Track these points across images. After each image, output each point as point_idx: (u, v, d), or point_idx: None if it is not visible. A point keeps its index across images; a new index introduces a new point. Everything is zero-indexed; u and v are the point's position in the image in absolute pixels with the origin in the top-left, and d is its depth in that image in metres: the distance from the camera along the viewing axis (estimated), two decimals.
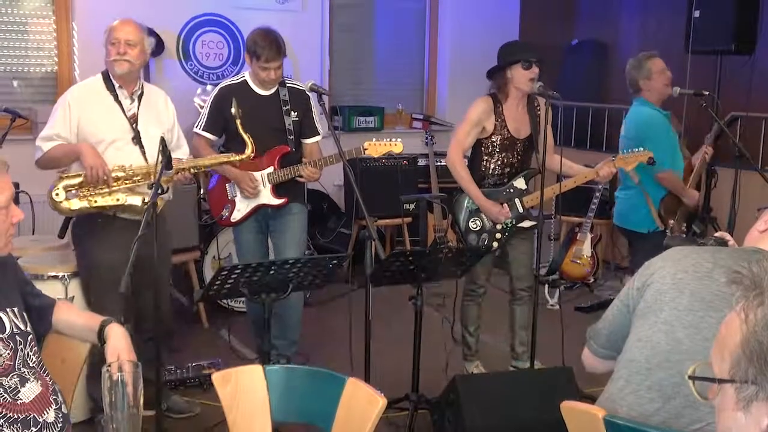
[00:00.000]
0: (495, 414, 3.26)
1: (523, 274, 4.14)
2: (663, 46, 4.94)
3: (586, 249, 5.72)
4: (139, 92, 3.58)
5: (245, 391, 2.14)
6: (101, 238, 3.47)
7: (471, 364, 4.21)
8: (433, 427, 3.52)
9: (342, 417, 2.05)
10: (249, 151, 3.63)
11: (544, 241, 4.95)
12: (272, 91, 4.04)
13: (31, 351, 2.07)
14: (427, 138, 6.38)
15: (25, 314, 2.11)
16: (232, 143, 3.98)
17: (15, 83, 5.65)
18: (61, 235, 3.78)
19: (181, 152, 3.68)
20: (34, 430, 1.98)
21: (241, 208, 4.06)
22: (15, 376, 2.00)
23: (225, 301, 4.94)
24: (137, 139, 3.51)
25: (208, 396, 3.80)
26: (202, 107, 4.42)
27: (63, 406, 2.10)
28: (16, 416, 1.95)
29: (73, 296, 3.60)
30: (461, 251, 3.84)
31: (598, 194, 5.45)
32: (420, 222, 6.07)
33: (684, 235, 4.17)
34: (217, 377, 2.15)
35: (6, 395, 1.96)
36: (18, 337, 2.04)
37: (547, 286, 5.63)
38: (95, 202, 3.38)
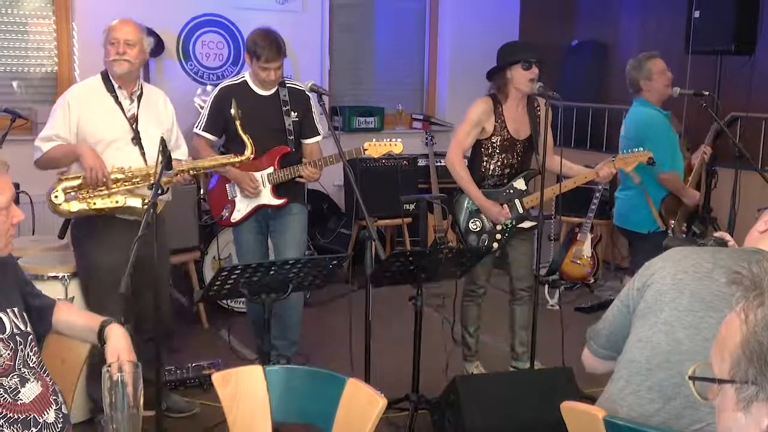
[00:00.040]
0: (495, 414, 3.26)
1: (523, 275, 4.14)
2: (663, 47, 4.94)
3: (586, 249, 5.73)
4: (139, 92, 3.58)
5: (245, 391, 2.14)
6: (101, 239, 3.47)
7: (471, 364, 4.21)
8: (433, 427, 3.52)
9: (342, 417, 2.05)
10: (249, 152, 3.63)
11: (544, 242, 4.94)
12: (272, 91, 4.04)
13: (31, 351, 2.07)
14: (427, 138, 6.38)
15: (25, 314, 2.11)
16: (232, 144, 3.98)
17: (15, 84, 5.65)
18: (61, 236, 3.79)
19: (180, 153, 3.68)
20: (34, 430, 1.98)
21: (241, 208, 4.06)
22: (15, 377, 2.00)
23: (225, 301, 4.94)
24: (137, 140, 3.51)
25: (208, 396, 3.80)
26: (202, 107, 4.42)
27: (63, 406, 2.10)
28: (16, 416, 1.95)
29: (73, 297, 3.60)
30: (461, 252, 3.84)
31: (598, 194, 5.46)
32: (420, 222, 6.07)
33: (684, 236, 4.17)
34: (217, 377, 2.15)
35: (6, 395, 1.96)
36: (18, 338, 2.04)
37: (547, 286, 5.63)
38: (94, 204, 3.38)
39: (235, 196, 4.07)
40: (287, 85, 4.08)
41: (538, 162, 3.84)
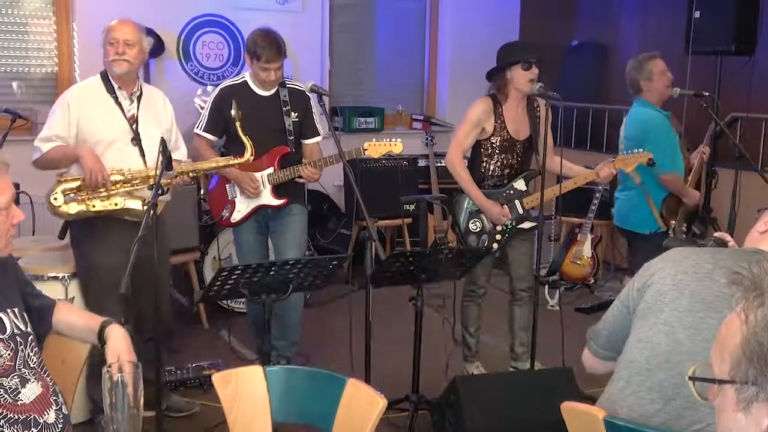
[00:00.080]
0: (495, 415, 3.26)
1: (522, 275, 4.15)
2: (663, 47, 4.94)
3: (587, 250, 5.73)
4: (138, 93, 3.58)
5: (245, 391, 2.14)
6: (100, 240, 3.47)
7: (471, 364, 4.21)
8: (433, 427, 3.52)
9: (342, 418, 2.05)
10: (248, 154, 3.62)
11: (545, 242, 4.95)
12: (272, 91, 4.04)
13: (31, 352, 2.07)
14: (427, 139, 6.38)
15: (25, 315, 2.11)
16: (232, 145, 3.98)
17: (15, 85, 5.64)
18: (62, 236, 3.78)
19: (179, 153, 3.67)
20: (34, 430, 1.98)
21: (241, 208, 4.06)
22: (15, 377, 2.00)
23: (225, 301, 4.94)
24: (136, 140, 3.51)
25: (208, 397, 3.81)
26: (202, 108, 4.42)
27: (63, 406, 2.10)
28: (16, 417, 1.95)
29: (74, 297, 3.60)
30: (461, 252, 3.84)
31: (598, 195, 5.46)
32: (420, 223, 6.07)
33: (684, 236, 4.17)
34: (217, 378, 2.15)
35: (6, 396, 1.96)
36: (18, 338, 2.04)
37: (547, 286, 5.63)
38: (93, 206, 3.37)
39: (236, 197, 4.07)
40: (287, 85, 4.08)
41: (538, 162, 3.84)
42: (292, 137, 4.05)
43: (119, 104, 3.52)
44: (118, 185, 3.39)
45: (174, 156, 3.43)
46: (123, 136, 3.50)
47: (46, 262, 3.79)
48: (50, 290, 3.13)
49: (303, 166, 3.99)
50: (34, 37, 5.70)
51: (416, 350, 3.59)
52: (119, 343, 2.08)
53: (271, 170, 4.01)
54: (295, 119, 4.06)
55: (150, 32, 4.04)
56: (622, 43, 7.01)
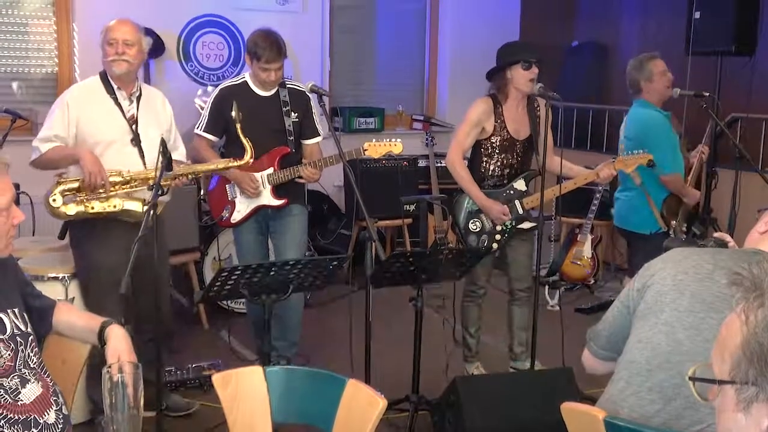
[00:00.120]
0: (495, 415, 3.26)
1: (521, 275, 4.15)
2: (663, 48, 4.94)
3: (587, 250, 5.73)
4: (138, 94, 3.58)
5: (245, 392, 2.14)
6: (100, 240, 3.47)
7: (471, 365, 4.21)
8: (433, 428, 3.52)
9: (342, 418, 2.05)
10: (248, 157, 3.61)
11: (545, 243, 4.95)
12: (272, 92, 4.04)
13: (31, 352, 2.07)
14: (427, 139, 6.38)
15: (25, 315, 2.11)
16: (232, 146, 3.98)
17: (15, 86, 5.64)
18: (62, 237, 3.78)
19: (177, 154, 3.66)
20: (34, 431, 1.98)
21: (241, 209, 4.06)
22: (16, 377, 2.00)
23: (225, 302, 4.93)
24: (136, 141, 3.50)
25: (208, 397, 3.81)
26: (202, 108, 4.42)
27: (63, 407, 2.10)
28: (16, 417, 1.95)
29: (74, 297, 3.60)
30: (461, 252, 3.84)
31: (598, 195, 5.46)
32: (420, 223, 6.07)
33: (684, 237, 4.17)
34: (217, 378, 2.15)
35: (6, 396, 1.96)
36: (19, 338, 2.04)
37: (547, 287, 5.63)
38: (92, 208, 3.37)
39: (236, 197, 4.07)
40: (287, 85, 4.08)
41: (539, 163, 3.84)
42: (292, 137, 4.05)
43: (119, 105, 3.51)
44: (117, 186, 3.39)
45: (173, 156, 3.43)
46: (122, 136, 3.50)
47: (46, 262, 3.79)
48: (50, 291, 3.14)
49: (303, 166, 3.99)
50: (34, 37, 5.71)
51: (416, 351, 3.59)
52: (119, 343, 2.08)
53: (271, 170, 4.01)
54: (295, 119, 4.06)
55: (149, 32, 4.04)
56: (622, 44, 7.01)
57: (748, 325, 1.08)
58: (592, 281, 5.89)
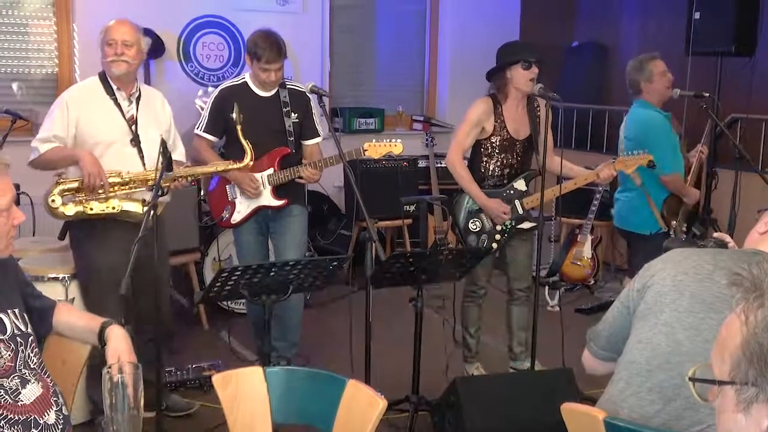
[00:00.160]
0: (495, 416, 3.26)
1: (520, 275, 4.15)
2: (663, 48, 4.93)
3: (587, 251, 5.73)
4: (137, 94, 3.58)
5: (245, 392, 2.14)
6: (100, 241, 3.47)
7: (471, 365, 4.21)
8: (433, 428, 3.52)
9: (342, 418, 2.05)
10: (248, 159, 3.60)
11: (545, 243, 4.95)
12: (272, 92, 4.05)
13: (32, 352, 2.07)
14: (427, 139, 6.38)
15: (25, 315, 2.11)
16: (232, 146, 3.98)
17: (15, 86, 5.64)
18: (62, 237, 3.78)
19: (176, 154, 3.65)
20: (34, 431, 1.98)
21: (242, 209, 4.06)
22: (16, 378, 2.00)
23: (225, 302, 4.93)
24: (136, 141, 3.50)
25: (208, 398, 3.81)
26: (203, 109, 4.41)
27: (64, 407, 2.10)
28: (16, 418, 1.95)
29: (74, 298, 3.60)
30: (461, 253, 3.84)
31: (598, 196, 5.46)
32: (420, 224, 6.07)
33: (684, 237, 4.17)
34: (217, 379, 2.15)
35: (7, 396, 1.96)
36: (19, 339, 2.04)
37: (547, 287, 5.63)
38: (91, 209, 3.37)
39: (236, 198, 4.07)
40: (288, 86, 4.08)
41: (539, 163, 3.84)
42: (292, 138, 4.05)
43: (118, 105, 3.51)
44: (116, 188, 3.39)
45: (172, 157, 3.43)
46: (122, 137, 3.49)
47: (47, 262, 3.79)
48: (50, 291, 3.14)
49: (303, 166, 3.99)
50: (35, 38, 5.71)
51: (416, 351, 3.59)
52: (119, 343, 2.08)
53: (271, 171, 4.01)
54: (295, 120, 4.06)
55: (149, 32, 4.04)
56: (622, 44, 7.02)
57: (748, 325, 1.08)
58: (592, 282, 5.89)
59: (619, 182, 4.50)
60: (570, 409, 1.94)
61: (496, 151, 4.00)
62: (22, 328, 2.07)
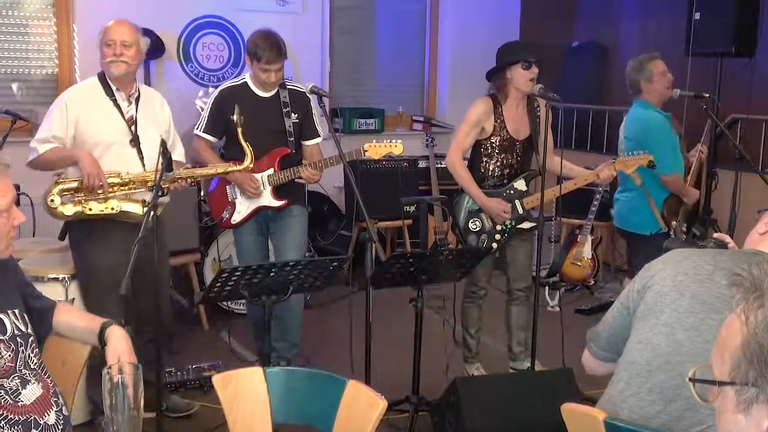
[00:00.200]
0: (495, 416, 3.26)
1: (520, 275, 4.15)
2: (663, 48, 4.94)
3: (587, 251, 5.73)
4: (136, 95, 3.57)
5: (246, 393, 2.14)
6: (100, 241, 3.46)
7: (471, 366, 4.21)
8: (433, 429, 3.52)
9: (342, 419, 2.05)
10: (248, 161, 3.59)
11: (545, 243, 4.95)
12: (273, 92, 4.04)
13: (32, 353, 2.07)
14: (427, 140, 6.38)
15: (26, 316, 2.11)
16: (232, 147, 3.98)
17: (15, 87, 5.64)
18: (62, 237, 3.78)
19: (176, 154, 3.64)
20: (35, 431, 1.98)
21: (242, 210, 4.06)
22: (16, 378, 2.00)
23: (225, 303, 4.93)
24: (135, 142, 3.50)
25: (208, 398, 3.81)
26: (203, 110, 4.41)
27: (64, 408, 2.10)
28: (17, 418, 1.95)
29: (74, 298, 3.60)
30: (461, 253, 3.84)
31: (598, 196, 5.46)
32: (420, 224, 6.07)
33: (684, 238, 4.17)
34: (217, 379, 2.15)
35: (7, 397, 1.96)
36: (19, 339, 2.04)
37: (547, 288, 5.63)
38: (90, 209, 3.36)
39: (236, 198, 4.07)
40: (288, 86, 4.08)
41: (539, 163, 3.84)
42: (292, 138, 4.05)
43: (118, 106, 3.51)
44: (115, 188, 3.38)
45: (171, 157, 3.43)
46: (122, 137, 3.49)
47: (47, 263, 3.79)
48: (50, 291, 3.14)
49: (303, 167, 3.99)
50: (35, 38, 5.71)
51: (416, 351, 3.58)
52: (119, 344, 2.08)
53: (271, 171, 4.01)
54: (295, 120, 4.06)
55: (148, 33, 4.04)
56: (622, 44, 7.02)
57: (748, 325, 1.08)
58: (592, 282, 5.89)
59: (619, 182, 4.50)
60: (570, 410, 1.94)
61: (496, 151, 4.00)
62: (23, 328, 2.07)
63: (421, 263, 3.44)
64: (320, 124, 4.18)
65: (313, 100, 4.03)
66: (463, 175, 3.98)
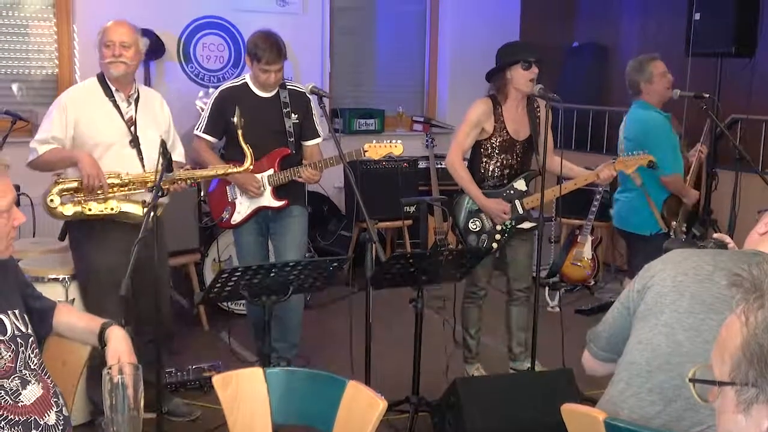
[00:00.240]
0: (495, 416, 3.26)
1: (520, 275, 4.15)
2: (663, 49, 4.94)
3: (587, 251, 5.73)
4: (136, 95, 3.57)
5: (246, 393, 2.14)
6: (99, 242, 3.46)
7: (471, 366, 4.21)
8: (433, 429, 3.52)
9: (342, 419, 2.05)
10: (248, 164, 3.57)
11: (545, 244, 4.95)
12: (273, 93, 4.05)
13: (32, 353, 2.07)
14: (427, 140, 6.38)
15: (26, 316, 2.11)
16: (232, 147, 3.97)
17: (15, 88, 5.64)
18: (62, 238, 3.78)
19: (176, 154, 3.63)
20: None
21: (242, 210, 4.06)
22: (16, 379, 2.00)
23: (225, 303, 4.94)
24: (135, 143, 3.50)
25: (208, 398, 3.81)
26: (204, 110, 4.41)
27: (64, 408, 2.10)
28: (17, 419, 1.96)
29: (74, 299, 3.60)
30: (461, 254, 3.84)
31: (598, 197, 5.46)
32: (420, 224, 6.07)
33: (684, 238, 4.17)
34: (217, 380, 2.15)
35: (7, 397, 1.97)
36: (19, 339, 2.04)
37: (547, 288, 5.63)
38: (89, 209, 3.36)
39: (236, 198, 4.07)
40: (288, 87, 4.08)
41: (539, 163, 3.84)
42: (292, 139, 4.05)
43: (117, 107, 3.51)
44: (115, 189, 3.38)
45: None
46: (121, 138, 3.49)
47: (47, 263, 3.79)
48: (50, 292, 3.14)
49: (303, 167, 3.99)
50: (35, 38, 5.71)
51: (416, 352, 3.58)
52: (120, 344, 2.08)
53: (271, 172, 4.02)
54: (295, 121, 4.06)
55: (148, 33, 4.03)
56: (622, 45, 7.02)
57: (748, 326, 1.08)
58: (592, 282, 5.89)
59: (619, 183, 4.50)
60: (570, 410, 1.94)
61: (496, 151, 4.00)
62: (23, 329, 2.07)
63: (421, 263, 3.44)
64: (320, 124, 4.18)
65: (313, 100, 4.03)
66: (462, 176, 3.98)
